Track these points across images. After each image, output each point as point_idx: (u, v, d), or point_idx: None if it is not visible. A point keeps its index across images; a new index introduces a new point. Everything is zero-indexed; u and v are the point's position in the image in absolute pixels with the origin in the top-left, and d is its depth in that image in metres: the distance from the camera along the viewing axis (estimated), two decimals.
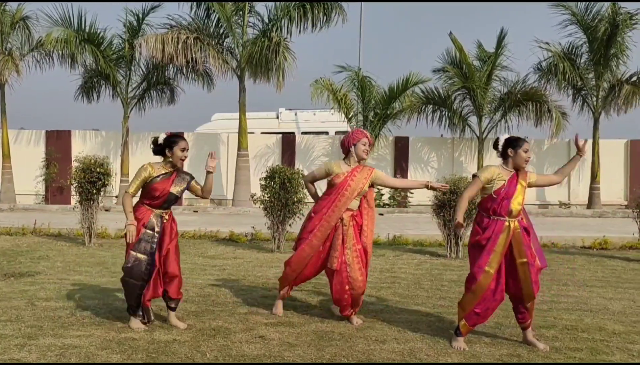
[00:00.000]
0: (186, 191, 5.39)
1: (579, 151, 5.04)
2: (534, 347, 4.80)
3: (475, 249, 4.90)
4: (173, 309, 5.33)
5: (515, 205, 4.82)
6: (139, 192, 5.24)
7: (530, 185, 4.97)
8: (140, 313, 5.20)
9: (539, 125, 20.07)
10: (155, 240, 5.16)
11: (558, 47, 20.07)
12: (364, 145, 5.50)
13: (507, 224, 4.79)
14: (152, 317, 5.29)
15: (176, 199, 5.32)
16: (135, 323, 5.19)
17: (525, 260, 4.79)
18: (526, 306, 4.89)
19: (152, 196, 5.17)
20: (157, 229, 5.17)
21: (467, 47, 20.10)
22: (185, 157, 5.27)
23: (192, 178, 5.39)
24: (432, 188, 5.57)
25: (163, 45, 17.54)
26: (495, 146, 5.01)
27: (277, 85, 18.03)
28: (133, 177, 5.23)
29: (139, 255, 5.10)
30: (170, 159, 5.23)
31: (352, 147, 5.49)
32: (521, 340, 4.96)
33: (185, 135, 20.80)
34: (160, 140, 5.25)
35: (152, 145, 5.31)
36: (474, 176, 4.96)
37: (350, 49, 59.47)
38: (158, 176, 5.17)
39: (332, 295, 5.53)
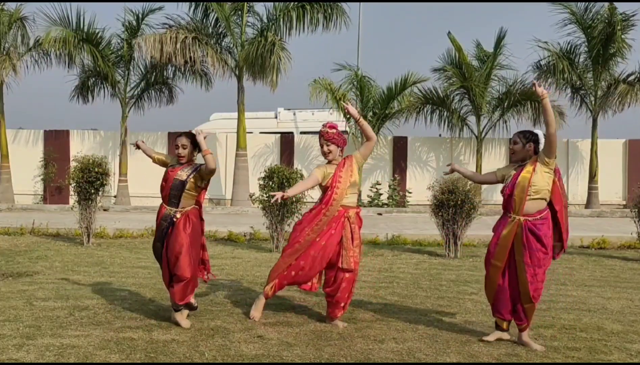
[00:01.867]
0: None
1: (539, 95, 4.87)
2: (529, 347, 4.80)
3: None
4: (175, 310, 5.32)
5: (516, 200, 4.85)
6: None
7: (548, 164, 4.81)
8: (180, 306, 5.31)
9: (537, 125, 20.06)
10: (164, 234, 5.35)
11: (557, 46, 20.06)
12: (322, 147, 5.49)
13: (511, 219, 4.89)
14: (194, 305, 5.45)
15: (182, 187, 5.31)
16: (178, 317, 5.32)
17: (521, 259, 4.86)
18: (523, 307, 4.90)
19: (162, 187, 5.42)
20: (166, 225, 5.35)
21: (466, 47, 20.11)
22: (182, 154, 5.37)
23: (202, 165, 5.39)
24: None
25: (162, 45, 17.51)
26: None
27: (271, 85, 17.99)
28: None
29: (157, 239, 5.44)
30: None
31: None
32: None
33: None
34: None
35: None
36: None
37: (349, 49, 59.43)
38: (171, 164, 5.48)
39: (335, 294, 5.44)
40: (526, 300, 4.87)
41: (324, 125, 5.53)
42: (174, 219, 5.31)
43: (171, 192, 5.34)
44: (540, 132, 4.95)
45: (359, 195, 19.85)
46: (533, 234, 4.82)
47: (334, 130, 5.49)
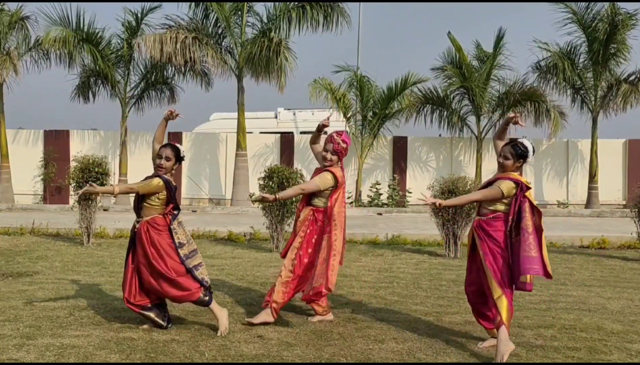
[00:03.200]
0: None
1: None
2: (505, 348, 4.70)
3: None
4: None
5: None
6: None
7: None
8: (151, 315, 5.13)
9: (538, 125, 20.08)
10: (130, 243, 5.17)
11: (556, 47, 20.07)
12: (326, 151, 5.45)
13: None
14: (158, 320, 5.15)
15: (141, 199, 5.04)
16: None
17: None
18: (494, 300, 4.92)
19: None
20: (132, 234, 5.16)
21: (466, 47, 20.12)
22: (163, 165, 5.03)
23: (156, 175, 5.07)
24: None
25: (161, 45, 17.51)
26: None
27: (279, 86, 18.03)
28: None
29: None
30: None
31: None
32: (519, 341, 4.97)
33: (184, 135, 20.80)
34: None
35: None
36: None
37: (349, 49, 59.48)
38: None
39: None
40: (495, 291, 4.76)
41: (338, 133, 5.46)
42: (135, 229, 5.08)
43: (136, 206, 5.12)
44: (530, 146, 4.83)
45: (358, 194, 19.93)
46: (482, 228, 4.88)
47: (345, 145, 5.45)
